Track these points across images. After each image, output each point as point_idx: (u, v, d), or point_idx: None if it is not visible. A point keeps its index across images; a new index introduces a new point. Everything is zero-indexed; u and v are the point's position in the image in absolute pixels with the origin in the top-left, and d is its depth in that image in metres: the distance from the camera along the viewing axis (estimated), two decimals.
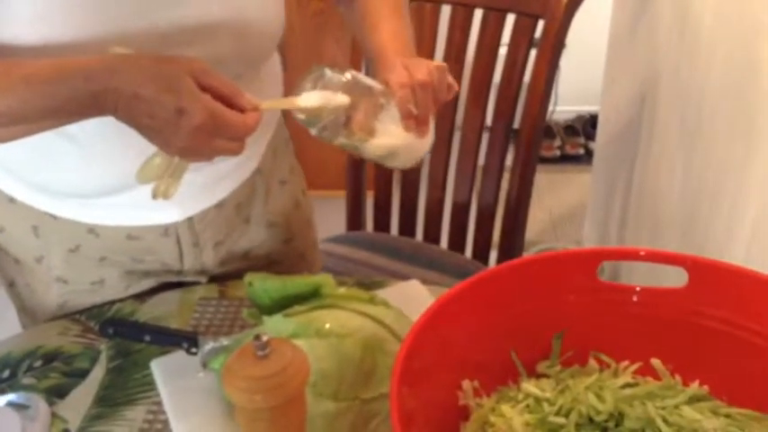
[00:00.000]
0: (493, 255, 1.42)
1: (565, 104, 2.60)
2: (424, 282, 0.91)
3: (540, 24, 1.27)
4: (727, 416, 0.61)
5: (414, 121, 0.73)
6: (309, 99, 0.69)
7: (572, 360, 0.71)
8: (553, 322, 0.71)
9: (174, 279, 0.92)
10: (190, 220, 0.87)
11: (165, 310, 0.86)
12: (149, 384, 0.75)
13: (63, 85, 0.63)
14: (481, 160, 1.38)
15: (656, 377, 0.69)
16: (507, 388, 0.68)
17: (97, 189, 0.81)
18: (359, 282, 0.91)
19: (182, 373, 0.73)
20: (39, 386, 0.76)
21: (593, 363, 0.71)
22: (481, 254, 1.42)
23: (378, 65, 0.80)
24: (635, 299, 0.69)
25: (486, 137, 1.37)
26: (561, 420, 0.61)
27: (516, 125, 1.35)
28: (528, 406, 0.64)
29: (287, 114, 0.86)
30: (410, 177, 1.46)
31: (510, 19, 1.31)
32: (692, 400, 0.62)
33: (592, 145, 2.51)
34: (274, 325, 0.71)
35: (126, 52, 0.65)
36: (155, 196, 0.68)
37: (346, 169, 1.49)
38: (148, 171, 0.68)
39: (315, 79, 0.71)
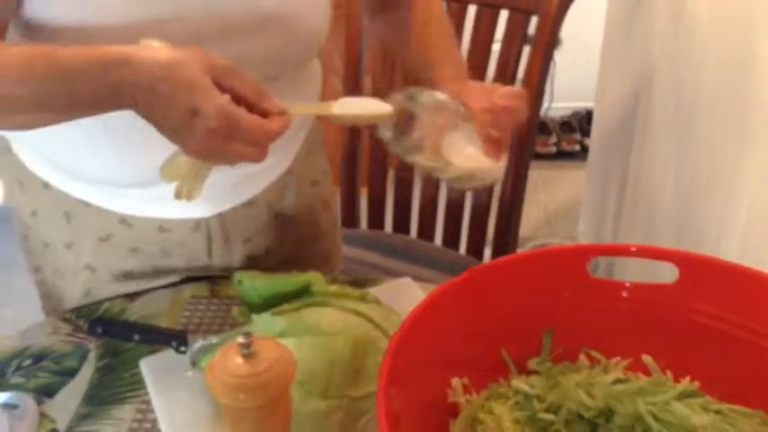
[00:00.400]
0: (487, 251, 1.42)
1: (561, 101, 2.60)
2: (418, 279, 0.91)
3: (534, 20, 1.27)
4: (718, 412, 0.60)
5: (494, 146, 0.73)
6: (345, 106, 0.66)
7: (563, 356, 0.71)
8: (544, 319, 0.71)
9: (199, 274, 0.92)
10: (221, 215, 0.87)
11: (155, 309, 0.86)
12: (138, 383, 0.74)
13: (83, 76, 0.61)
14: None
15: (648, 373, 0.69)
16: (497, 385, 0.68)
17: (130, 179, 0.81)
18: (351, 279, 0.90)
19: (171, 372, 0.73)
20: (27, 385, 0.75)
21: (583, 359, 0.71)
22: (475, 251, 1.42)
23: (432, 82, 0.78)
24: (625, 295, 0.69)
25: None
26: (551, 417, 0.61)
27: None
28: (518, 403, 0.64)
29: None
30: (404, 175, 1.45)
31: (503, 15, 1.30)
32: (683, 397, 0.61)
33: (588, 141, 2.51)
34: (263, 323, 0.71)
35: (160, 45, 0.62)
36: (177, 196, 0.66)
37: (340, 166, 1.48)
38: (171, 169, 0.65)
39: (405, 97, 0.70)
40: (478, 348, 0.68)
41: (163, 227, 0.86)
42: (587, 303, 0.70)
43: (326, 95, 0.87)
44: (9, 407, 0.70)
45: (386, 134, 0.70)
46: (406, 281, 0.91)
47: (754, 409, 0.62)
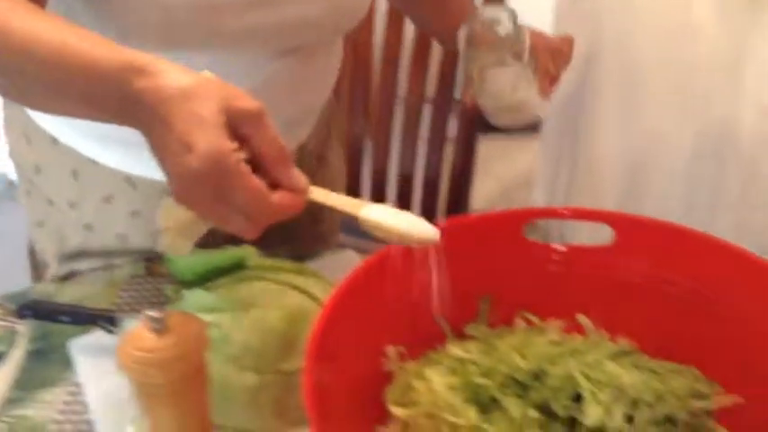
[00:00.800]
0: None
1: None
2: (364, 251, 0.90)
3: None
4: (651, 370, 0.60)
5: (549, 83, 0.80)
6: (380, 213, 0.55)
7: (500, 321, 0.70)
8: (481, 284, 0.70)
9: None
10: None
11: (89, 291, 0.83)
12: (68, 366, 0.72)
13: (94, 70, 0.52)
14: (425, 131, 1.38)
15: (585, 335, 0.69)
16: (434, 352, 0.67)
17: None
18: (292, 252, 0.89)
19: (100, 353, 0.71)
20: None
21: (520, 323, 0.70)
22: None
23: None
24: (561, 257, 0.69)
25: (429, 107, 1.36)
26: (485, 381, 0.60)
27: (458, 95, 1.35)
28: (452, 368, 0.63)
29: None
30: (354, 147, 1.44)
31: None
32: (616, 356, 0.61)
33: None
34: (195, 299, 0.69)
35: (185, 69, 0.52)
36: (164, 245, 0.59)
37: None
38: (166, 212, 0.57)
39: (484, 24, 0.75)
40: (415, 316, 0.68)
41: (169, 192, 0.84)
42: (524, 267, 0.70)
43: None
44: None
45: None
46: (349, 253, 0.90)
47: (687, 366, 0.63)
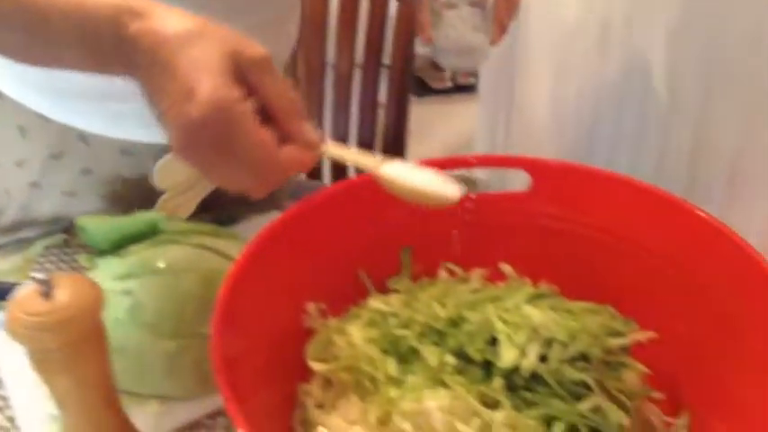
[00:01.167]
0: None
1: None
2: None
3: None
4: (567, 310, 0.61)
5: (500, 31, 0.82)
6: (401, 171, 0.53)
7: (423, 273, 0.70)
8: (401, 237, 0.70)
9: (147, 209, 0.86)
10: None
11: (5, 266, 0.80)
12: None
13: (85, 12, 0.48)
14: (357, 96, 1.37)
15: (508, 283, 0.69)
16: (357, 307, 0.66)
17: (101, 90, 0.73)
18: (215, 217, 0.87)
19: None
20: None
21: (443, 274, 0.70)
22: None
23: None
24: (473, 206, 0.68)
25: (359, 73, 1.35)
26: (404, 332, 0.60)
27: (387, 61, 1.34)
28: (373, 321, 0.62)
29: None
30: None
31: None
32: (533, 299, 0.61)
33: None
34: (108, 267, 0.67)
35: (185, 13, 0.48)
36: (160, 208, 0.55)
37: None
38: (164, 172, 0.53)
39: None
40: (336, 273, 0.67)
41: (126, 149, 0.81)
42: (443, 218, 0.69)
43: None
44: None
45: None
46: (273, 215, 0.88)
47: (603, 305, 0.63)
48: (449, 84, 2.64)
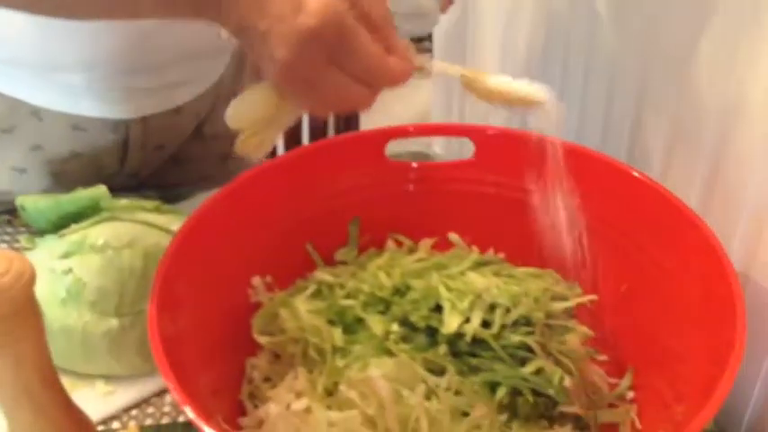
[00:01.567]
0: None
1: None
2: None
3: None
4: (510, 275, 0.61)
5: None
6: (501, 80, 0.53)
7: (370, 244, 0.70)
8: (348, 209, 0.69)
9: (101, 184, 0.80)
10: (144, 120, 0.82)
11: None
12: None
13: None
14: None
15: None
16: (303, 280, 0.66)
17: (49, 61, 0.73)
18: (161, 195, 0.85)
19: None
20: None
21: (391, 244, 0.70)
22: None
23: None
24: (416, 175, 0.68)
25: None
26: (350, 302, 0.60)
27: None
28: (319, 293, 0.62)
29: None
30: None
31: None
32: (477, 265, 0.62)
33: None
34: (47, 246, 0.66)
35: None
36: (241, 149, 0.52)
37: None
38: (241, 110, 0.51)
39: None
40: (282, 246, 0.66)
41: (78, 125, 0.79)
42: (389, 188, 0.69)
43: None
44: None
45: None
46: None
47: (547, 270, 0.64)
48: None
